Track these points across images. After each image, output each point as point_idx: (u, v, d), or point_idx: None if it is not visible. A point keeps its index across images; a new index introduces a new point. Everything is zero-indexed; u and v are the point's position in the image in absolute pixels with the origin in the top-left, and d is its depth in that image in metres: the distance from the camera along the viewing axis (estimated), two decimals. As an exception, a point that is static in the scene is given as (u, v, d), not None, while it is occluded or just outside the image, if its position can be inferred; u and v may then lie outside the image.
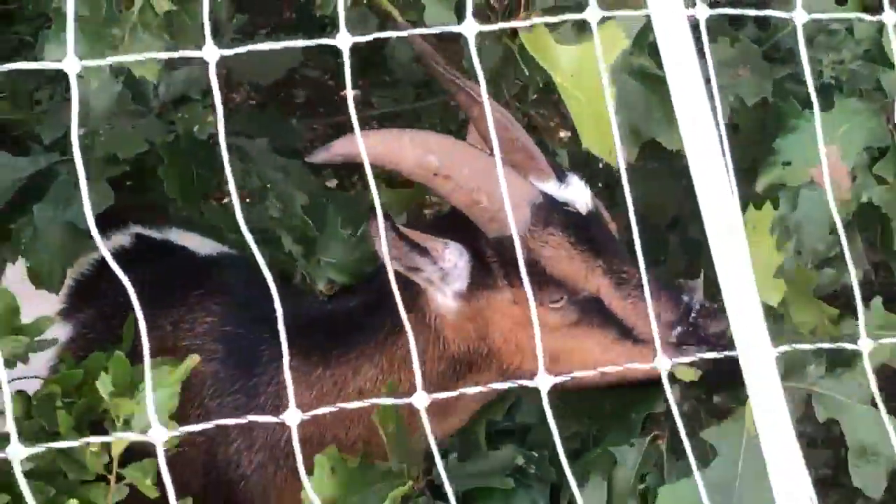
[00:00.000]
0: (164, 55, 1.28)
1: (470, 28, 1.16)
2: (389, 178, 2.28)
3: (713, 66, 1.98)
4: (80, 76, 2.22)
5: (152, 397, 1.62)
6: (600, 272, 1.96)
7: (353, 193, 3.46)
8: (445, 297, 2.02)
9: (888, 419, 1.75)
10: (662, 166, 2.51)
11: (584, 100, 1.90)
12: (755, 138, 2.13)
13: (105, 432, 1.79)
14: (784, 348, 1.25)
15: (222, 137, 1.13)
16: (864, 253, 2.03)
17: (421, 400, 1.16)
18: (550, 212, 1.96)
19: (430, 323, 2.05)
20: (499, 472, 2.20)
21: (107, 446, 1.78)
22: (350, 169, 3.46)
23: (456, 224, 1.99)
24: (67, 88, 2.28)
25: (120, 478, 1.79)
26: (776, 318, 1.89)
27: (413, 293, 2.03)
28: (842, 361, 1.94)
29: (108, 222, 2.60)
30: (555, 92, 1.97)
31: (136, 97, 2.38)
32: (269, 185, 2.40)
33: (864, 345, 1.30)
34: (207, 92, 2.37)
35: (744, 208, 2.00)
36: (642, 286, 1.93)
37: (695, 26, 1.56)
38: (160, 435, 1.10)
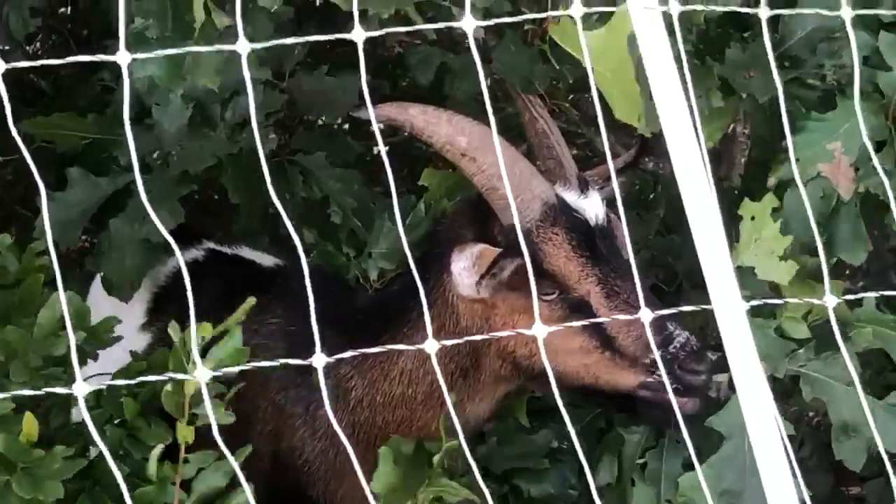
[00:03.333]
0: (197, 49, 1.47)
1: (469, 23, 1.36)
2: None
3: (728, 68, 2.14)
4: (156, 105, 2.46)
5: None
6: (594, 280, 2.13)
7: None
8: (469, 282, 2.18)
9: (867, 399, 1.91)
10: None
11: (610, 76, 2.04)
12: (768, 139, 2.30)
13: (168, 419, 1.92)
14: (755, 303, 1.41)
15: (254, 121, 1.34)
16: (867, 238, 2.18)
17: (433, 346, 1.33)
18: (560, 214, 2.14)
19: (448, 300, 2.24)
20: (536, 454, 2.39)
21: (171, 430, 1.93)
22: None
23: (476, 209, 2.19)
24: (145, 115, 2.52)
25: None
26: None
27: (439, 277, 2.23)
28: (829, 346, 2.12)
29: (183, 239, 2.84)
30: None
31: (204, 121, 2.60)
32: (328, 196, 2.63)
33: (830, 301, 1.45)
34: (269, 115, 2.60)
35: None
36: (633, 303, 2.08)
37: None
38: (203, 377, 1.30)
